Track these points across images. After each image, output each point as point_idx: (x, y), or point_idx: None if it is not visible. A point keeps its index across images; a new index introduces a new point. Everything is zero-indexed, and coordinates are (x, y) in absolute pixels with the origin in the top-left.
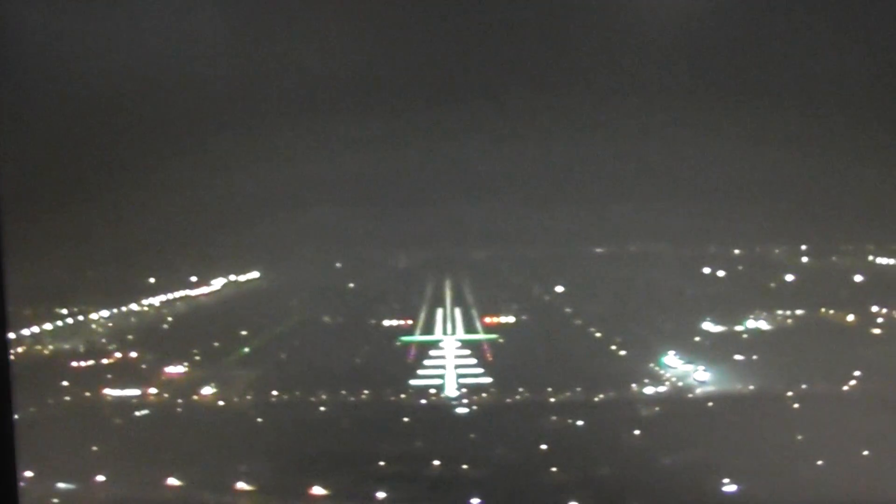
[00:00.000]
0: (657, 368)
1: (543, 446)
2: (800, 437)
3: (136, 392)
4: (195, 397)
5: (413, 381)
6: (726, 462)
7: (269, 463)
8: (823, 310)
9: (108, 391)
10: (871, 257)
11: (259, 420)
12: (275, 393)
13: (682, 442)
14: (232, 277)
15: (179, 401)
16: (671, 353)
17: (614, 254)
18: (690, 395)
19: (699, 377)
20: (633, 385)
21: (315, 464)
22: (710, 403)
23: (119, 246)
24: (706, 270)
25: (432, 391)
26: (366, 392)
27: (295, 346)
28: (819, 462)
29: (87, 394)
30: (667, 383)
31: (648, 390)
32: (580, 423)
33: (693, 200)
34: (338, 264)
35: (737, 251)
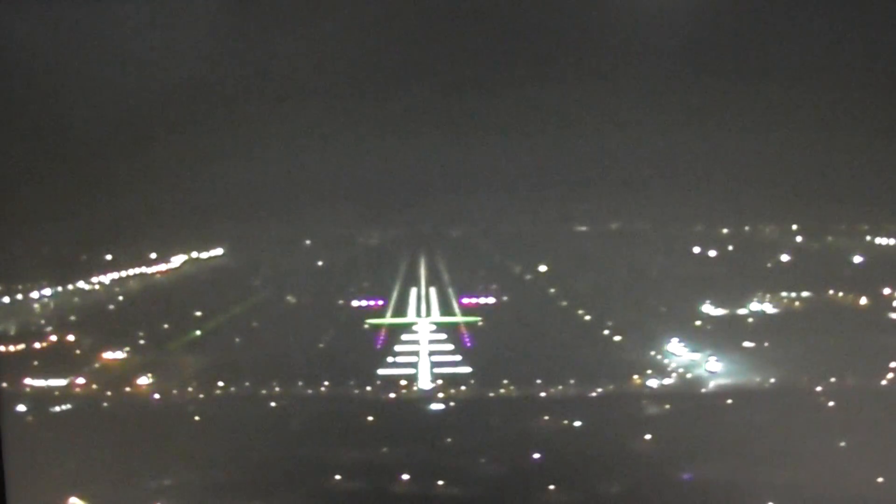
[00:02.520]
0: (659, 357)
1: (536, 455)
2: (843, 444)
3: (61, 382)
4: (128, 388)
5: (381, 371)
6: (762, 477)
7: (199, 476)
8: (831, 292)
9: (29, 381)
10: (868, 237)
11: (196, 418)
12: (221, 384)
13: (705, 450)
14: (194, 254)
15: (108, 393)
16: (674, 339)
17: (596, 232)
18: (704, 390)
19: (711, 368)
20: (635, 377)
21: (254, 478)
22: (730, 401)
23: (76, 220)
24: (696, 250)
25: (403, 383)
26: (326, 384)
27: (252, 329)
28: (879, 479)
29: (4, 384)
30: (673, 375)
31: (653, 383)
32: (577, 423)
33: (676, 178)
34: (307, 241)
35: (725, 230)
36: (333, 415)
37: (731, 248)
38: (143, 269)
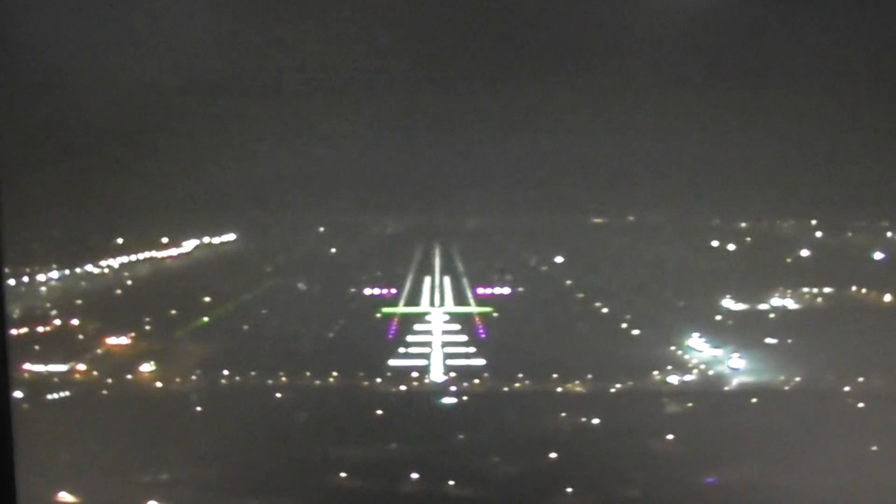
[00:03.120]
0: (680, 352)
1: (553, 454)
2: (874, 449)
3: (62, 368)
4: (129, 376)
5: (393, 362)
6: (789, 483)
7: (198, 471)
8: (854, 288)
9: (29, 366)
10: (889, 234)
11: (199, 409)
12: (226, 373)
13: (729, 453)
14: (206, 239)
15: (109, 381)
16: (695, 334)
17: (613, 224)
18: (727, 388)
19: (734, 364)
20: (655, 372)
21: (254, 475)
22: (755, 400)
23: (90, 204)
24: (714, 244)
25: (414, 374)
26: (334, 374)
27: (261, 317)
28: None
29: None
30: (694, 371)
31: (673, 379)
32: (596, 421)
33: (693, 172)
34: (321, 228)
35: (743, 224)
36: (341, 408)
37: (748, 240)
38: (154, 254)
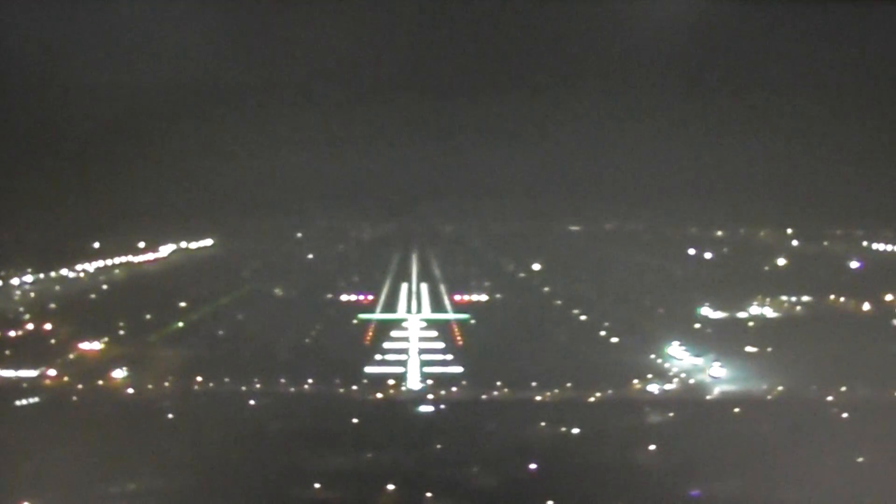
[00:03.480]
0: (660, 360)
1: (533, 466)
2: (861, 460)
3: (31, 373)
4: (101, 382)
5: (369, 369)
6: (776, 495)
7: (167, 482)
8: (833, 297)
9: None
10: (864, 242)
11: (170, 416)
12: (199, 379)
13: (714, 464)
14: (183, 244)
15: (80, 386)
16: (675, 342)
17: (590, 232)
18: (709, 397)
19: (715, 373)
20: (636, 381)
21: (225, 485)
22: (737, 409)
23: (66, 208)
24: (692, 252)
25: (391, 382)
26: (310, 381)
27: (236, 322)
28: None
29: None
30: (675, 380)
31: (653, 388)
32: (576, 431)
33: (670, 180)
34: (298, 234)
35: (720, 233)
36: (316, 416)
37: (726, 250)
38: (131, 258)
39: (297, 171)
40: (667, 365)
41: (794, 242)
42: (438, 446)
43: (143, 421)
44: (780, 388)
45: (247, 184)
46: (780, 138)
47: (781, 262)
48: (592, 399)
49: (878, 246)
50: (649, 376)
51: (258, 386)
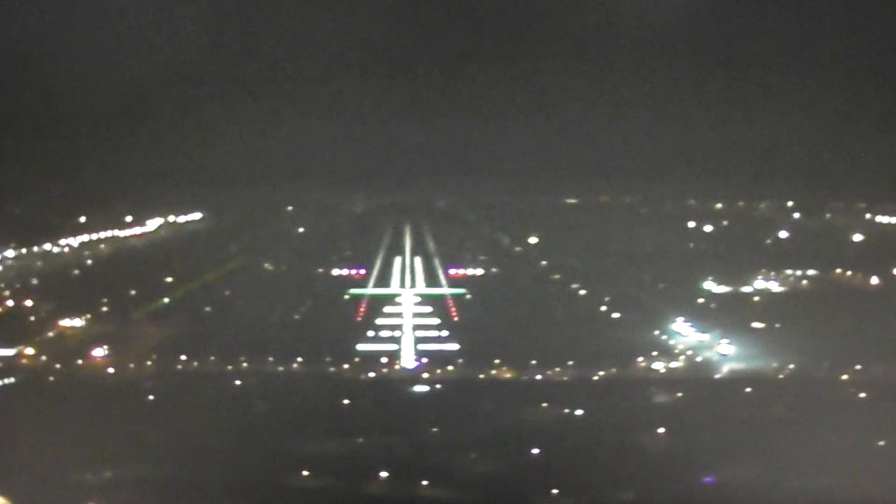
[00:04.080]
0: (664, 337)
1: (535, 451)
2: (882, 444)
3: (9, 352)
4: (80, 361)
5: (361, 346)
6: (796, 482)
7: (144, 468)
8: (838, 271)
9: None
10: (868, 215)
11: (151, 397)
12: (183, 358)
13: (729, 448)
14: (171, 219)
15: (58, 366)
16: (679, 318)
17: (587, 205)
18: (718, 376)
19: (723, 350)
20: (640, 359)
21: (208, 474)
22: (749, 389)
23: (53, 181)
24: (691, 224)
25: (384, 360)
26: (299, 360)
27: (224, 298)
28: None
29: None
30: (681, 357)
31: (659, 366)
32: (580, 412)
33: (667, 152)
34: (289, 207)
35: (718, 205)
36: (305, 397)
37: (726, 223)
38: (117, 233)
39: (288, 144)
40: (672, 342)
41: (796, 215)
42: (434, 429)
43: (122, 402)
44: (791, 366)
45: (237, 157)
46: (778, 110)
47: (783, 234)
48: (596, 378)
49: (881, 219)
50: (654, 353)
51: (245, 365)
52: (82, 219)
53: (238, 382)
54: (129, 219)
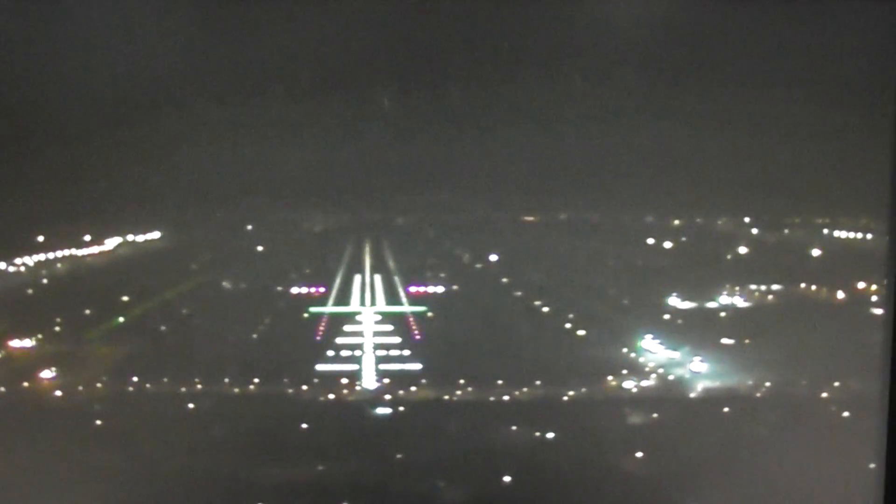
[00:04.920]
0: (633, 355)
1: (507, 478)
2: (872, 466)
3: None
4: (26, 384)
5: (320, 366)
6: None
7: (93, 496)
8: (803, 285)
9: None
10: (825, 231)
11: (98, 422)
12: (135, 379)
13: (711, 473)
14: (130, 237)
15: (2, 389)
16: (647, 335)
17: (545, 222)
18: (693, 395)
19: (695, 368)
20: (609, 377)
21: (158, 503)
22: (727, 409)
23: (8, 200)
24: (650, 241)
25: (344, 381)
26: (255, 381)
27: (181, 317)
28: None
29: None
30: (652, 376)
31: (630, 384)
32: (550, 435)
33: (624, 169)
34: (248, 227)
35: (676, 221)
36: (261, 420)
37: (684, 238)
38: (75, 252)
39: (247, 161)
40: (641, 359)
41: (754, 231)
42: (399, 456)
43: (67, 428)
44: (767, 383)
45: (196, 175)
46: (734, 125)
47: (743, 250)
48: (566, 398)
49: (839, 233)
50: (624, 372)
51: (199, 387)
52: (39, 238)
53: (191, 406)
54: (87, 238)
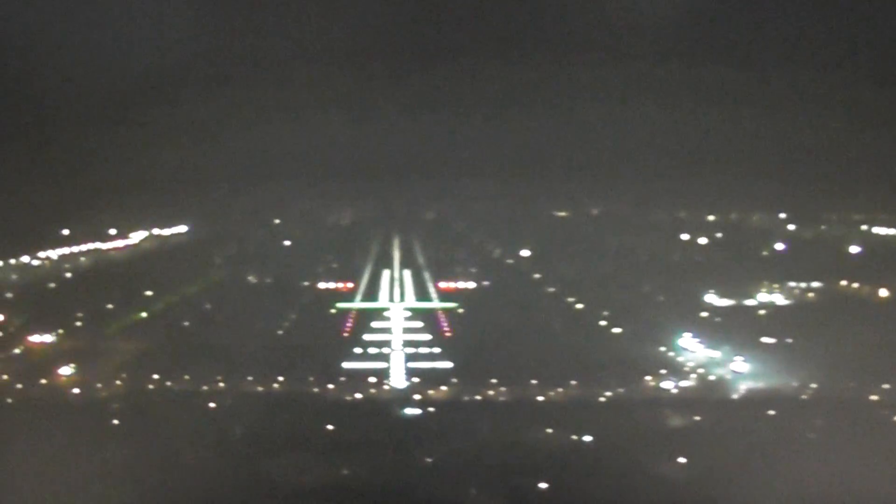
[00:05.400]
0: (671, 353)
1: (543, 485)
2: None
3: None
4: (44, 381)
5: (347, 364)
6: None
7: (107, 499)
8: (844, 282)
9: None
10: (863, 227)
11: (116, 422)
12: (156, 377)
13: (758, 482)
14: (156, 231)
15: (19, 386)
16: (685, 333)
17: (577, 217)
18: (736, 397)
19: (737, 368)
20: (648, 377)
21: None
22: (772, 412)
23: (35, 193)
24: (685, 237)
25: (372, 380)
26: (279, 379)
27: (204, 312)
28: None
29: None
30: (692, 376)
31: (669, 385)
32: (588, 438)
33: (656, 164)
34: (276, 220)
35: (710, 217)
36: (284, 422)
37: (720, 235)
38: (100, 245)
39: (276, 157)
40: (680, 359)
41: (790, 227)
42: (428, 460)
43: (82, 428)
44: (813, 385)
45: (225, 170)
46: (768, 121)
47: (779, 246)
48: (603, 399)
49: (878, 230)
50: (663, 372)
51: (221, 385)
52: (66, 231)
53: (212, 405)
54: (112, 232)
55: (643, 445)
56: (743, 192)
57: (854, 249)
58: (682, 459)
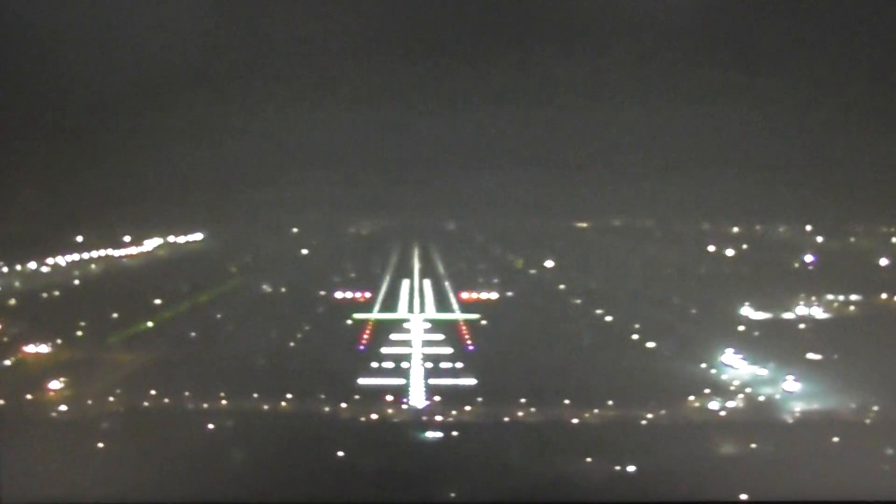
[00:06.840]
0: (713, 371)
1: None
2: None
3: None
4: (30, 396)
5: (363, 380)
6: None
7: None
8: (885, 296)
9: None
10: (894, 239)
11: (100, 445)
12: (153, 393)
13: None
14: (171, 238)
15: (1, 402)
16: (727, 349)
17: (600, 228)
18: (791, 420)
19: (788, 387)
20: (691, 397)
21: None
22: (836, 439)
23: (50, 199)
24: (711, 248)
25: (389, 398)
26: (288, 397)
27: (214, 322)
28: None
29: None
30: (739, 396)
31: (715, 406)
32: (631, 469)
33: (679, 175)
34: (294, 229)
35: (735, 229)
36: (290, 447)
37: (746, 247)
38: (112, 252)
39: (294, 164)
40: (724, 377)
41: (819, 239)
42: (452, 494)
43: (64, 449)
44: (875, 408)
45: (243, 177)
46: (797, 134)
47: (808, 258)
48: (644, 422)
49: None
50: (707, 391)
51: (223, 403)
52: (79, 238)
53: (210, 426)
54: (126, 238)
55: (696, 478)
56: (768, 203)
57: (884, 262)
58: (743, 496)
